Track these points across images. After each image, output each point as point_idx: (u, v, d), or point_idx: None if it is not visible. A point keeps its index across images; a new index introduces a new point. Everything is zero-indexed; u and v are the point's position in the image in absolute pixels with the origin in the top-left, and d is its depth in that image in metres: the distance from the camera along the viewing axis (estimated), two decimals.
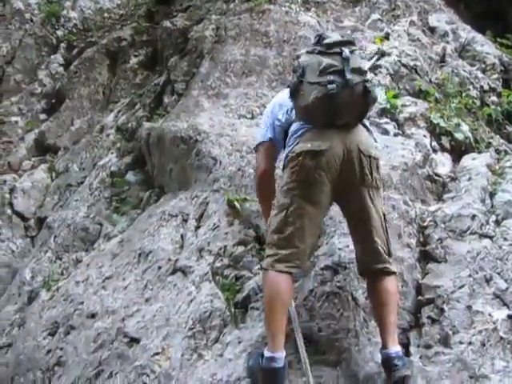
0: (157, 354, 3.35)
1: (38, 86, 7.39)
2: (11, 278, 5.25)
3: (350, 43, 2.92)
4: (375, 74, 4.67)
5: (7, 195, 6.03)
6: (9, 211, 5.90)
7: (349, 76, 2.74)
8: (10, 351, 4.28)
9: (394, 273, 2.94)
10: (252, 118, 4.77)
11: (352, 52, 2.85)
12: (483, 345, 3.02)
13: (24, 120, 7.08)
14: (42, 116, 7.11)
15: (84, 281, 4.31)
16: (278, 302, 2.77)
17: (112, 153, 5.68)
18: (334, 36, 2.98)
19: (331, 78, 2.74)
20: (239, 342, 3.18)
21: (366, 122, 3.07)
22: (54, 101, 7.18)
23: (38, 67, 7.64)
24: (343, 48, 2.82)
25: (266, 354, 2.74)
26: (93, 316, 3.94)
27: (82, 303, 4.09)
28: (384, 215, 2.95)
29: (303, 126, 2.94)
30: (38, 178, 6.21)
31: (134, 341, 3.55)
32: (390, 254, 2.93)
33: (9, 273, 5.39)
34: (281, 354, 2.73)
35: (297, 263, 2.83)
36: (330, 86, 2.72)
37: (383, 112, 4.39)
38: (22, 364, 4.02)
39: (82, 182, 5.64)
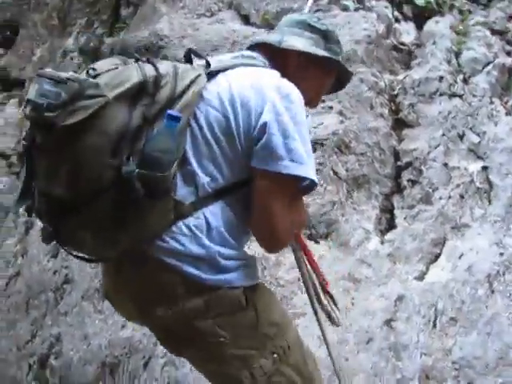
0: None
1: None
2: (5, 215, 5.33)
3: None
4: None
5: None
6: None
7: None
8: (19, 279, 4.44)
9: None
10: (211, 15, 4.66)
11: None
12: (462, 197, 3.18)
13: None
14: (0, 51, 6.91)
15: None
16: None
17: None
18: None
19: None
20: None
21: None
22: (8, 33, 6.94)
23: None
24: None
25: None
26: None
27: None
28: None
29: None
30: (10, 114, 6.14)
31: None
32: None
33: (1, 210, 5.46)
34: None
35: None
36: None
37: None
38: (32, 288, 4.19)
39: None
